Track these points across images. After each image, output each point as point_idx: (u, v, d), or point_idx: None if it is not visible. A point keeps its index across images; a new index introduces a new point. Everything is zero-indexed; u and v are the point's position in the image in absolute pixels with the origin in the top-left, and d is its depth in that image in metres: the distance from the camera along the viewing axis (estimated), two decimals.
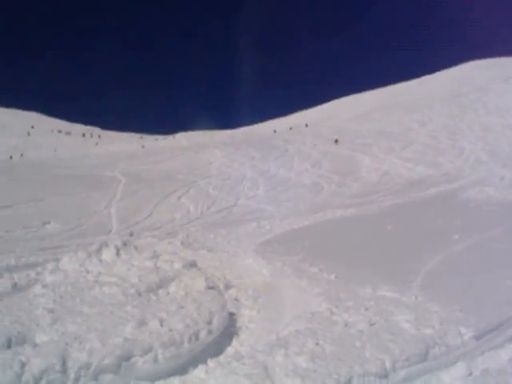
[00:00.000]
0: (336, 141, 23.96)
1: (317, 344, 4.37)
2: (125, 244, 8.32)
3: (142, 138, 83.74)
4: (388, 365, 3.97)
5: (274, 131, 60.46)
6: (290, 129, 57.58)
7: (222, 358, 4.42)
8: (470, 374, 3.98)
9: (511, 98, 42.30)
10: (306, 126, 56.69)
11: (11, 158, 53.79)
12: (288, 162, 31.56)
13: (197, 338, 4.55)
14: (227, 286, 7.03)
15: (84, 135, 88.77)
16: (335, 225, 12.65)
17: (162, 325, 4.61)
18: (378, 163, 28.27)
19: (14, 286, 5.85)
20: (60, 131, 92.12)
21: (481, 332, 4.53)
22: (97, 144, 75.27)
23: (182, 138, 55.86)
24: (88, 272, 6.64)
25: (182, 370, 4.15)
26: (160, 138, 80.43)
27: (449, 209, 12.58)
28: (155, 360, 4.11)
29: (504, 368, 4.03)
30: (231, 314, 5.69)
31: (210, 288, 6.26)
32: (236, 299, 6.47)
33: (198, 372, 4.09)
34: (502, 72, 61.06)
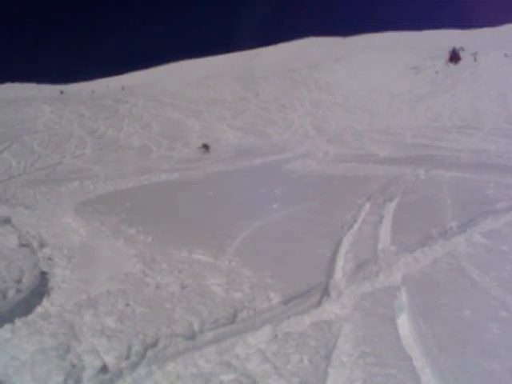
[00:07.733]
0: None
1: (127, 305, 4.42)
2: None
3: None
4: (196, 326, 4.07)
5: (106, 87, 58.14)
6: (122, 89, 55.61)
7: (30, 317, 4.28)
8: (275, 337, 4.10)
9: (341, 77, 44.51)
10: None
11: None
12: (118, 122, 30.80)
13: (4, 296, 4.44)
14: (42, 245, 6.90)
15: None
16: (159, 188, 12.54)
17: None
18: (208, 130, 28.45)
19: None
20: None
21: (288, 297, 4.66)
22: None
23: (9, 90, 51.27)
24: None
25: None
26: None
27: (272, 179, 12.95)
28: None
29: (305, 331, 4.19)
30: (44, 273, 5.57)
31: (22, 246, 6.21)
32: (50, 258, 6.34)
33: (4, 332, 3.90)
34: (334, 51, 64.03)
